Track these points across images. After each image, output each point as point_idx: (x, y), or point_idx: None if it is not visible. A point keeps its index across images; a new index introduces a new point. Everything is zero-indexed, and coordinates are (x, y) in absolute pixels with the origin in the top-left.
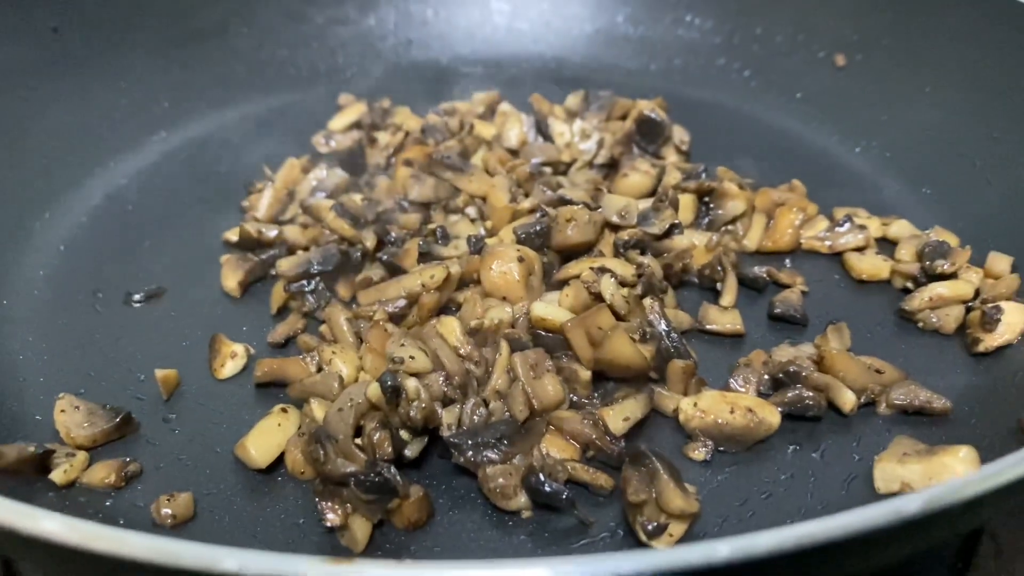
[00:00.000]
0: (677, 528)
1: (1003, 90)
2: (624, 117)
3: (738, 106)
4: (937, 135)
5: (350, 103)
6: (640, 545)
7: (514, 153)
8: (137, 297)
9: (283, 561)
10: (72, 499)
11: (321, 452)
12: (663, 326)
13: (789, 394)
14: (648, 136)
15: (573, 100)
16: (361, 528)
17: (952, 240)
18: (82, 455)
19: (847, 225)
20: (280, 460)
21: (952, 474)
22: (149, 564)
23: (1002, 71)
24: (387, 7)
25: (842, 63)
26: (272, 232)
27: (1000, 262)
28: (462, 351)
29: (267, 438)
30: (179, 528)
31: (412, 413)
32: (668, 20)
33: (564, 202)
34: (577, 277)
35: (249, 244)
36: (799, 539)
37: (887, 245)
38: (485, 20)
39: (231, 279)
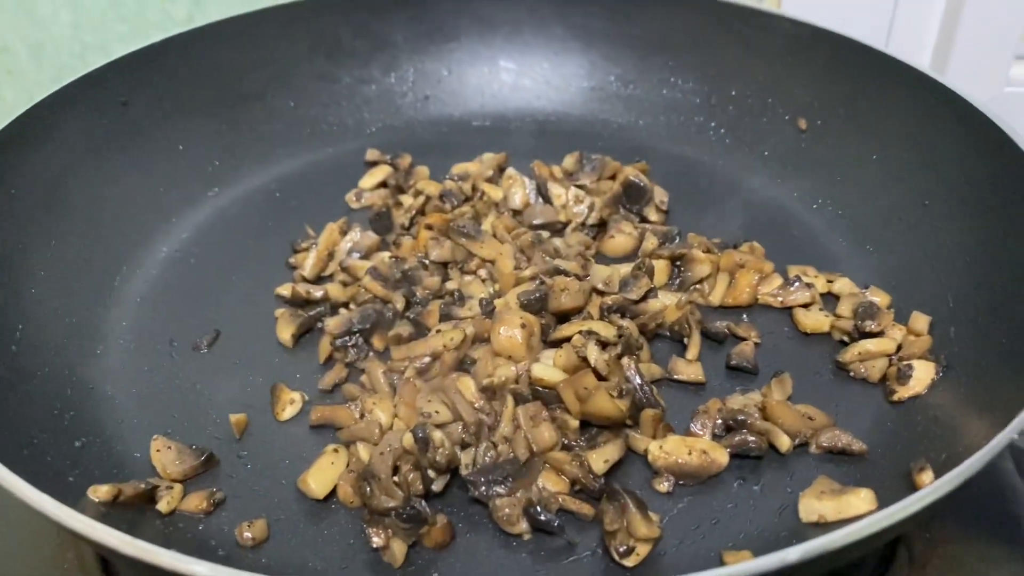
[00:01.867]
0: (643, 548)
1: (930, 162)
2: (613, 177)
3: (713, 161)
4: (881, 198)
5: (376, 157)
6: (614, 563)
7: (517, 213)
8: (204, 345)
9: None
10: (174, 524)
11: (368, 489)
12: (637, 381)
13: (737, 438)
14: (632, 198)
15: (569, 161)
16: (399, 548)
17: (884, 299)
18: (178, 488)
19: (797, 284)
20: (334, 491)
21: (855, 510)
22: None
23: (929, 145)
24: (407, 67)
25: (804, 126)
26: (318, 292)
27: (920, 321)
28: (476, 404)
29: (323, 474)
30: (258, 548)
31: (438, 458)
32: (654, 81)
33: (559, 272)
34: (569, 339)
35: (299, 302)
36: None
37: (831, 298)
38: (493, 78)
39: (285, 332)
